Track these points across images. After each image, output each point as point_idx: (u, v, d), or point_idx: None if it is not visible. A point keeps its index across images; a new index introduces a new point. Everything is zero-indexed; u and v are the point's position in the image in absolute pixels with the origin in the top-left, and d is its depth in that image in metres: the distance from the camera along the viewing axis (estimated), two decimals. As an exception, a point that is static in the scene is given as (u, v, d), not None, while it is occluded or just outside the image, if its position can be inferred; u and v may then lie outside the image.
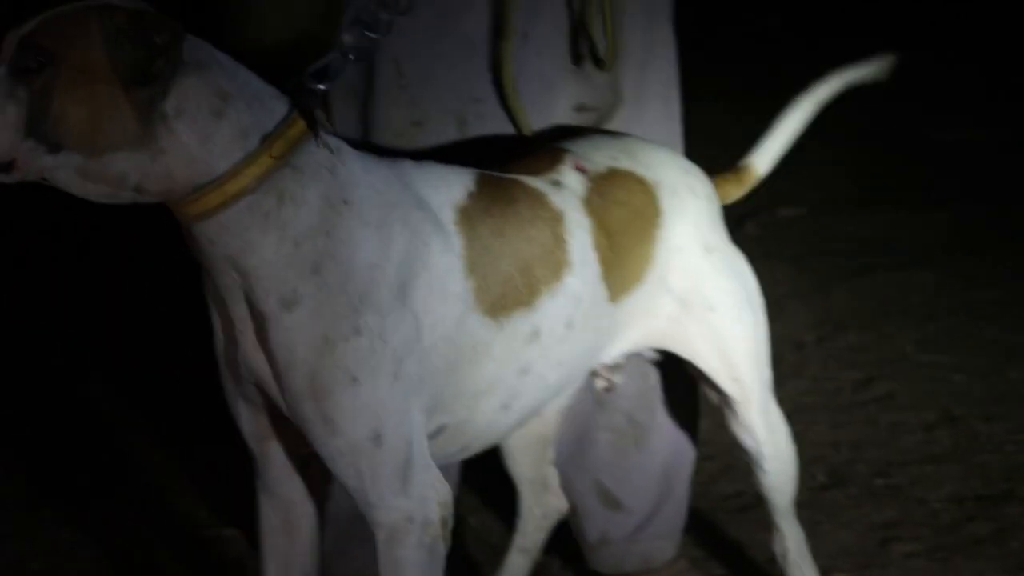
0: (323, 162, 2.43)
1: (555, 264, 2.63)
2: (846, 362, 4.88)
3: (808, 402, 4.53)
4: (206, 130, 2.35)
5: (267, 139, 2.38)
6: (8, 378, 4.77)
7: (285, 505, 2.67)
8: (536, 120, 3.00)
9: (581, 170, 2.73)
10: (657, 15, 3.14)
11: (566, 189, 2.70)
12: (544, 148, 2.80)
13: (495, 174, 2.66)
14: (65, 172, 2.31)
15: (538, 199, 2.66)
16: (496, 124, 3.00)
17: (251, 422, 2.60)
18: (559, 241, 2.64)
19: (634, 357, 3.13)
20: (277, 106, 2.43)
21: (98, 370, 4.85)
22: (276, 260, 2.38)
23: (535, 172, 2.71)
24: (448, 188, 2.57)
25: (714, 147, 3.44)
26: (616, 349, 2.83)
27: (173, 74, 2.33)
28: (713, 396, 3.00)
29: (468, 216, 2.56)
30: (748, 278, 2.95)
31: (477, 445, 2.70)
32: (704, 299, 2.84)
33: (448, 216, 2.54)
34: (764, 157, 3.09)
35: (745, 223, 6.32)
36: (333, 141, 2.48)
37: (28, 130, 2.26)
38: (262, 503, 2.69)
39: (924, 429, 4.35)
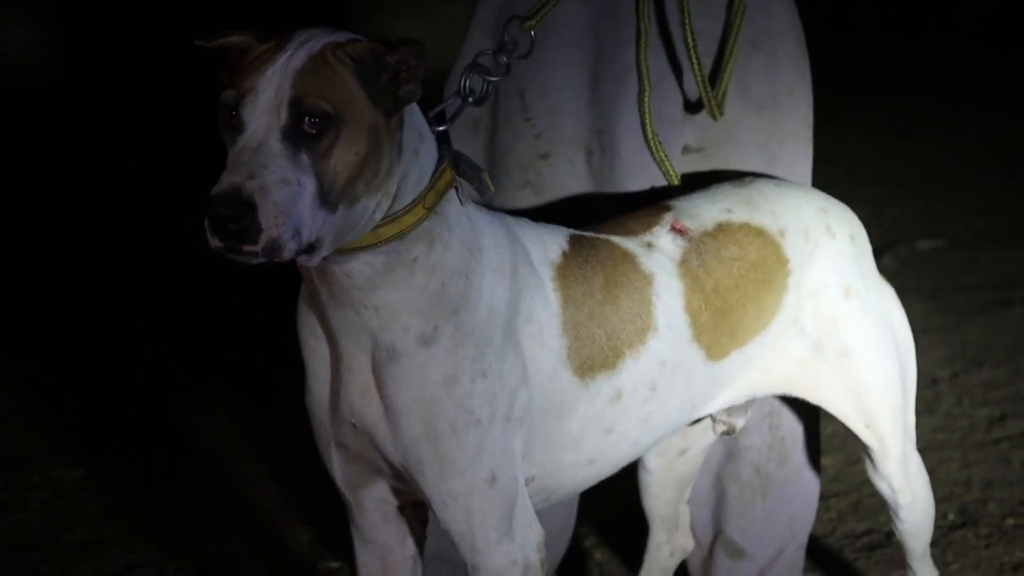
0: (461, 210, 2.48)
1: (640, 328, 2.63)
2: (980, 399, 4.83)
3: (940, 439, 4.50)
4: (405, 169, 2.39)
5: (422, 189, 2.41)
6: (127, 413, 4.90)
7: (382, 551, 2.68)
8: (645, 163, 2.99)
9: (679, 231, 2.71)
10: (782, 61, 3.09)
11: (658, 251, 2.69)
12: (649, 205, 2.79)
13: (588, 234, 2.67)
14: (328, 238, 2.28)
15: (628, 262, 2.66)
16: (617, 155, 3.00)
17: (344, 469, 2.57)
18: (646, 305, 2.64)
19: (764, 409, 3.12)
20: (434, 151, 2.46)
21: (218, 403, 4.97)
22: (422, 298, 2.41)
23: (631, 232, 2.71)
24: (544, 246, 2.59)
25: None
26: (728, 398, 2.81)
27: (418, 96, 2.33)
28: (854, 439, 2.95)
29: (564, 275, 2.58)
30: (897, 322, 2.89)
31: (560, 495, 2.73)
32: (839, 344, 2.80)
33: (546, 273, 2.57)
34: None
35: (883, 256, 6.26)
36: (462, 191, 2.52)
37: (321, 199, 2.22)
38: (359, 550, 2.69)
39: (1059, 469, 4.30)
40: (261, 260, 2.18)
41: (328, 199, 2.22)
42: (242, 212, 2.14)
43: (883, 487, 2.94)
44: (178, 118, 8.52)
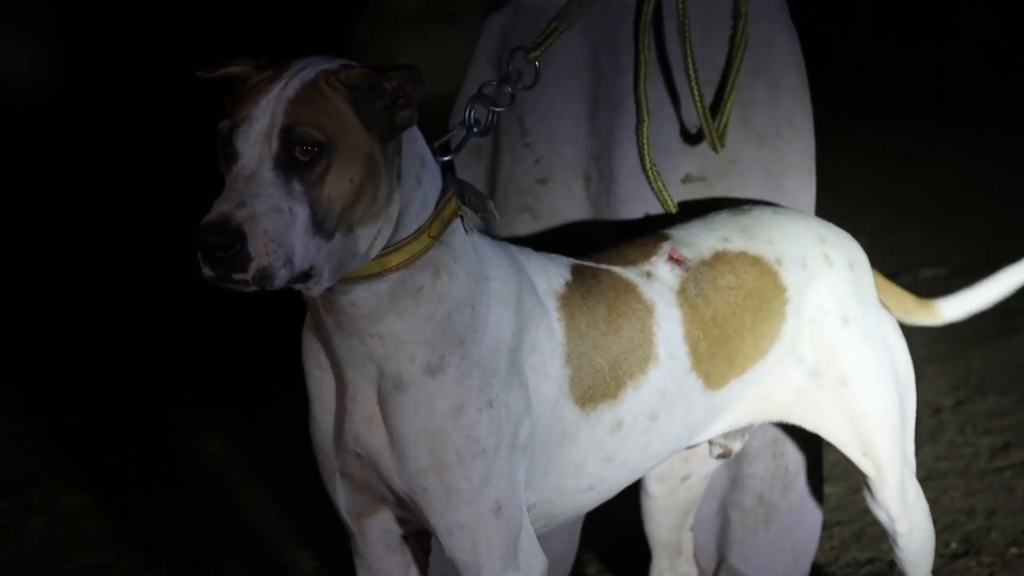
0: (467, 239, 2.48)
1: (642, 358, 2.64)
2: (983, 428, 4.81)
3: (943, 468, 4.48)
4: (407, 197, 2.38)
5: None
6: (127, 414, 4.90)
7: None
8: (641, 189, 2.98)
9: (677, 260, 2.71)
10: (784, 91, 3.10)
11: (658, 281, 2.69)
12: (647, 234, 2.79)
13: (588, 264, 2.68)
14: (327, 266, 2.28)
15: (630, 291, 2.66)
16: (614, 181, 3.00)
17: (348, 499, 2.56)
18: (647, 335, 2.64)
19: (768, 437, 3.11)
20: (438, 179, 2.46)
21: (216, 407, 4.97)
22: (428, 328, 2.41)
23: (629, 261, 2.71)
24: (548, 276, 2.60)
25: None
26: (726, 424, 2.81)
27: (415, 121, 2.32)
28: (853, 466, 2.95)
29: (568, 305, 2.59)
30: (896, 350, 2.88)
31: (559, 520, 2.73)
32: (837, 372, 2.80)
33: (551, 303, 2.57)
34: (957, 307, 3.09)
35: (886, 284, 6.23)
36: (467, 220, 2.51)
37: (315, 227, 2.23)
38: None
39: (1062, 498, 4.28)
40: (253, 288, 2.19)
41: (323, 227, 2.23)
42: (231, 241, 2.15)
43: (881, 515, 2.94)
44: (178, 119, 8.54)
